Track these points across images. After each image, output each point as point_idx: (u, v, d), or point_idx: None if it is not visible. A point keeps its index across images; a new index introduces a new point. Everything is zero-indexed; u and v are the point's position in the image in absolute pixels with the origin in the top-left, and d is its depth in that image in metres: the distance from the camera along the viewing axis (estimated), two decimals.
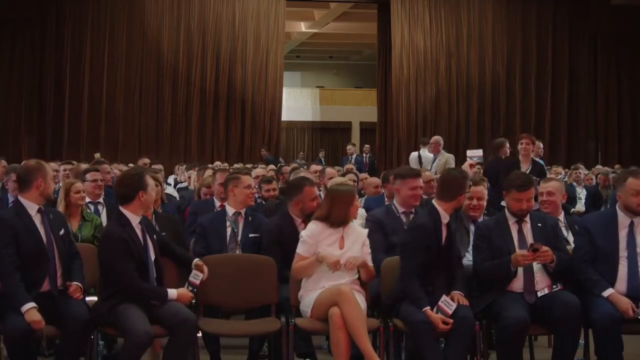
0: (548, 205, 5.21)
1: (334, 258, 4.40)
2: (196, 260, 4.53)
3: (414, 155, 12.77)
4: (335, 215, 4.54)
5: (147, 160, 11.00)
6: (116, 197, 4.47)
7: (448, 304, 4.27)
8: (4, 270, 4.02)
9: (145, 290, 4.22)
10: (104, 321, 4.16)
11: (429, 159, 11.99)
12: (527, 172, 7.25)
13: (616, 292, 4.32)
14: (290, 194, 5.18)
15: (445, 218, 4.50)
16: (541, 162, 9.56)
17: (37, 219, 4.22)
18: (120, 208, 4.35)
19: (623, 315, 4.23)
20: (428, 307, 4.26)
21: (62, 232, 4.36)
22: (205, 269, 4.48)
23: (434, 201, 4.58)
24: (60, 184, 7.20)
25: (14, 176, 6.05)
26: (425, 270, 4.40)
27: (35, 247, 4.15)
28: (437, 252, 4.42)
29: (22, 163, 4.48)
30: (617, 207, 4.59)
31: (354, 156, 15.37)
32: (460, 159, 14.44)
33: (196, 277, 4.43)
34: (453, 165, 10.76)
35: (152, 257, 4.35)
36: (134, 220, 4.31)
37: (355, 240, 4.58)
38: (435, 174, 7.62)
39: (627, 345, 4.41)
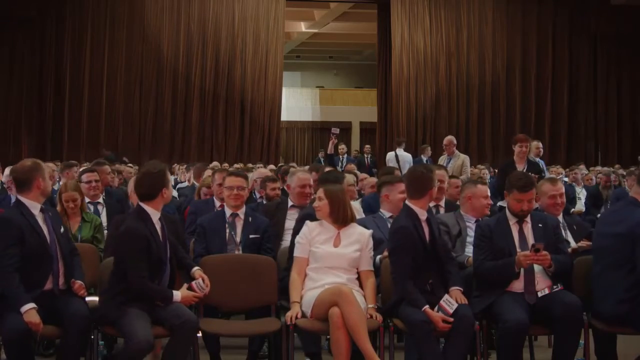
0: (560, 207, 5.22)
1: (292, 313, 4.38)
2: (199, 272, 4.50)
3: (390, 155, 13.05)
4: (341, 213, 4.59)
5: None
6: (137, 196, 4.44)
7: (450, 303, 4.27)
8: (3, 271, 4.00)
9: (152, 290, 4.20)
10: (108, 320, 4.16)
11: (406, 158, 12.60)
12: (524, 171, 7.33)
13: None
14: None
15: (422, 215, 4.51)
16: (541, 161, 9.57)
17: (39, 218, 4.22)
18: (141, 204, 4.32)
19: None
20: (427, 306, 4.26)
21: (62, 230, 4.37)
22: (207, 281, 4.47)
23: (407, 202, 4.58)
24: (60, 184, 7.23)
25: None
26: (418, 270, 4.40)
27: (39, 246, 4.14)
28: (423, 250, 4.43)
29: (18, 164, 4.44)
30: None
31: (345, 156, 15.38)
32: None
33: (201, 289, 4.41)
34: (469, 167, 10.78)
35: (168, 255, 4.35)
36: (155, 216, 4.29)
37: (354, 241, 4.58)
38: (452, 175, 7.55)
39: (626, 346, 4.41)
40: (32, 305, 3.95)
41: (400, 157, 12.67)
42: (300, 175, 5.89)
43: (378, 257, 4.82)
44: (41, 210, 4.25)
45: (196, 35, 17.92)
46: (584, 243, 4.97)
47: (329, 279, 4.45)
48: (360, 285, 4.55)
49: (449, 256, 4.62)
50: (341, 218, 4.61)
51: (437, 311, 4.24)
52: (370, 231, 4.72)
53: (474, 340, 4.48)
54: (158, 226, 4.30)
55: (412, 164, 11.78)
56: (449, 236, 5.06)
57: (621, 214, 4.48)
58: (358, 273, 4.58)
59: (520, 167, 7.71)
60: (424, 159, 12.64)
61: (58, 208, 5.32)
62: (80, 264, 4.40)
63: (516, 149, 7.90)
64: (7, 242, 4.04)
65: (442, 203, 5.94)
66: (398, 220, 4.59)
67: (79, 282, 4.26)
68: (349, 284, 4.43)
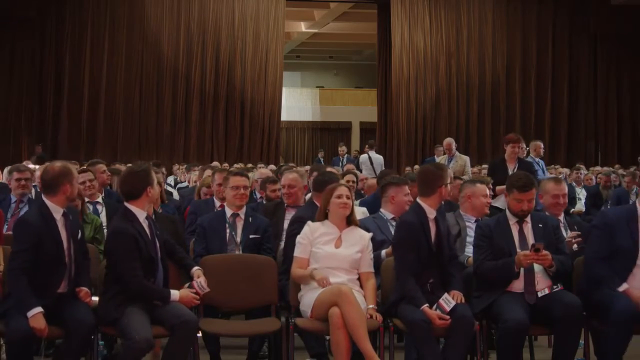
0: (561, 207, 5.20)
1: (321, 275, 4.39)
2: (199, 271, 4.48)
3: (364, 157, 13.88)
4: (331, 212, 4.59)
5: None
6: (121, 195, 4.44)
7: (448, 301, 4.28)
8: (14, 273, 4.00)
9: (149, 289, 4.21)
10: (108, 320, 4.15)
11: (378, 160, 13.57)
12: (514, 171, 7.30)
13: (629, 287, 4.29)
14: (322, 186, 5.13)
15: (431, 213, 4.52)
16: (541, 161, 9.56)
17: (60, 223, 4.19)
18: (126, 204, 4.32)
19: (638, 307, 4.18)
20: (426, 305, 4.26)
21: (79, 235, 4.35)
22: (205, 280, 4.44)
23: (418, 199, 4.61)
24: None
25: (16, 175, 6.07)
26: (420, 269, 4.41)
27: (56, 252, 4.12)
28: (428, 249, 4.44)
29: (48, 166, 4.38)
30: (637, 203, 4.54)
31: (345, 156, 15.42)
32: None
33: (202, 288, 4.40)
34: (470, 168, 10.79)
35: (159, 254, 4.35)
36: (141, 215, 4.29)
37: (354, 243, 4.59)
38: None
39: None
40: (38, 309, 3.94)
41: (374, 159, 13.44)
42: (287, 175, 5.92)
43: (384, 251, 4.82)
44: (63, 214, 4.22)
45: (196, 35, 17.90)
46: (573, 233, 4.98)
47: (330, 279, 4.45)
48: (361, 286, 4.56)
49: (454, 258, 4.62)
50: (353, 218, 4.65)
51: (436, 309, 4.25)
52: (370, 234, 4.74)
53: (474, 340, 4.48)
54: (145, 225, 4.30)
55: (383, 166, 13.06)
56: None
57: None
58: (358, 274, 4.59)
59: (511, 166, 7.64)
60: (437, 159, 12.69)
61: None
62: (89, 269, 4.38)
63: (508, 149, 7.76)
64: (22, 245, 4.03)
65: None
66: (405, 216, 4.61)
67: (85, 289, 4.24)
68: (349, 284, 4.44)
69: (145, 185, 4.30)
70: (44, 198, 4.22)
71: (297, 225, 4.93)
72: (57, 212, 4.19)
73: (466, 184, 5.51)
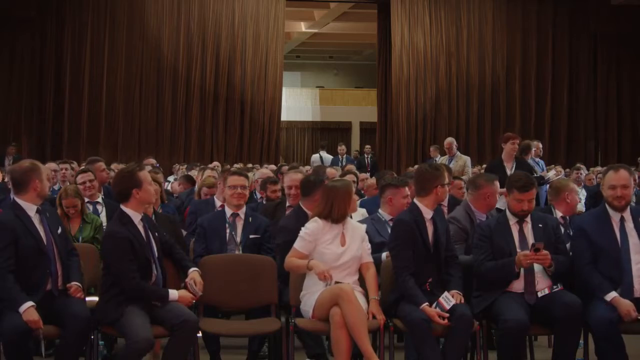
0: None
1: (323, 267, 4.35)
2: (194, 273, 4.47)
3: (315, 157, 15.26)
4: (336, 211, 4.53)
5: (153, 161, 11.11)
6: (114, 195, 4.45)
7: (448, 299, 4.29)
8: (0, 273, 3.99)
9: (147, 290, 4.21)
10: (108, 321, 4.15)
11: (328, 160, 14.55)
12: (512, 170, 7.30)
13: (618, 296, 4.32)
14: (311, 190, 5.12)
15: (427, 214, 4.53)
16: (541, 161, 9.56)
17: (36, 220, 4.20)
18: (121, 206, 4.33)
19: (623, 318, 4.24)
20: (426, 303, 4.26)
21: (59, 230, 4.35)
22: (200, 285, 4.41)
23: (414, 199, 4.63)
24: (60, 184, 7.23)
25: None
26: (418, 269, 4.41)
27: (36, 248, 4.13)
28: (424, 248, 4.44)
29: (16, 165, 4.44)
30: (605, 204, 4.59)
31: (344, 156, 15.43)
32: None
33: (194, 291, 4.38)
34: (470, 167, 10.78)
35: (156, 255, 4.34)
36: (136, 217, 4.29)
37: (355, 236, 4.58)
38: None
39: (627, 346, 4.41)
40: (30, 303, 3.94)
41: (325, 159, 14.49)
42: (291, 176, 5.90)
43: (384, 254, 4.82)
44: (37, 211, 4.22)
45: (196, 35, 17.89)
46: None
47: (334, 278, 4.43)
48: (362, 285, 4.55)
49: (452, 259, 4.62)
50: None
51: (435, 307, 4.26)
52: (364, 225, 4.75)
53: (474, 340, 4.49)
54: (141, 227, 4.29)
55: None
56: (466, 237, 5.03)
57: None
58: (359, 273, 4.57)
59: (509, 166, 7.63)
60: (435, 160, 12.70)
61: (58, 211, 5.31)
62: (79, 265, 4.37)
63: (508, 146, 7.76)
64: (0, 245, 4.02)
65: (445, 202, 5.93)
66: (401, 215, 4.63)
67: (75, 284, 4.23)
68: (352, 285, 4.43)
69: (131, 187, 4.27)
70: (15, 198, 4.22)
71: (283, 234, 4.92)
72: (31, 209, 4.20)
73: (485, 180, 5.40)
